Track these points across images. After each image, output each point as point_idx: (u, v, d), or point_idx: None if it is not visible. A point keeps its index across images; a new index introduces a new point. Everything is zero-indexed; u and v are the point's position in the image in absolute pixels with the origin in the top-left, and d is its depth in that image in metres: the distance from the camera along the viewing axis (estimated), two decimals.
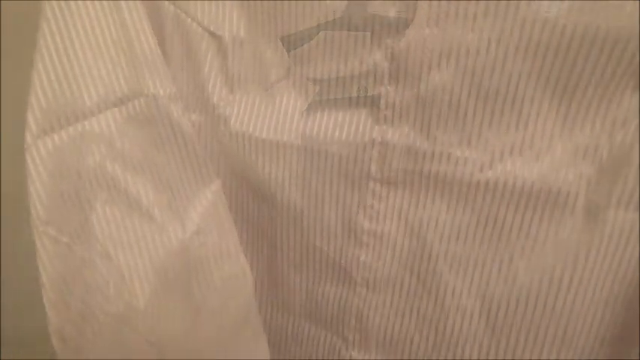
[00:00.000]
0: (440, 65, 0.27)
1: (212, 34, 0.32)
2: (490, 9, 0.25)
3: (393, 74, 0.29)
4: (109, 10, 0.29)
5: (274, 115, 0.32)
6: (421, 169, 0.30)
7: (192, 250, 0.32)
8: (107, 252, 0.31)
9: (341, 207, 0.32)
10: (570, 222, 0.27)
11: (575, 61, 0.25)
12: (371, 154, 0.30)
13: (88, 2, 0.29)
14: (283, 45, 0.31)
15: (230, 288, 0.33)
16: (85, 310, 0.31)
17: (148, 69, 0.30)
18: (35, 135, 0.30)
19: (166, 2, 0.31)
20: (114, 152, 0.30)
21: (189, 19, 0.31)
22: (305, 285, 0.35)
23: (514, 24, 0.25)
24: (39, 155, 0.30)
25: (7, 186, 0.56)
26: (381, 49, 0.28)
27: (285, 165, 0.32)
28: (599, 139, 0.26)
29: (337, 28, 0.29)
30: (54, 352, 0.32)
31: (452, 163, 0.29)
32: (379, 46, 0.28)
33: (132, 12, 0.29)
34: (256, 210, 0.35)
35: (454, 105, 0.28)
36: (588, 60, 0.24)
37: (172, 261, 0.31)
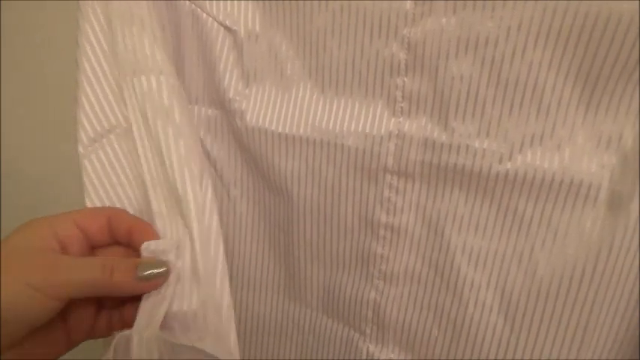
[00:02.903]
0: (458, 55, 0.27)
1: (228, 29, 0.32)
2: None
3: (409, 65, 0.28)
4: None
5: (290, 109, 0.32)
6: (439, 161, 0.29)
7: None
8: None
9: (357, 200, 0.32)
10: (593, 214, 0.27)
11: (597, 47, 0.24)
12: (387, 146, 0.30)
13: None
14: (298, 38, 0.31)
15: None
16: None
17: None
18: (92, 138, 0.28)
19: None
20: None
21: (205, 15, 0.32)
22: (322, 278, 0.35)
23: (534, 11, 0.25)
24: (97, 159, 0.28)
25: (8, 186, 0.57)
26: (398, 39, 0.28)
27: (302, 158, 0.32)
28: (623, 128, 0.25)
29: (353, 19, 0.29)
30: None
31: (470, 154, 0.28)
32: (396, 36, 0.28)
33: None
34: (273, 203, 0.35)
35: (472, 95, 0.27)
36: (612, 46, 0.24)
37: None
